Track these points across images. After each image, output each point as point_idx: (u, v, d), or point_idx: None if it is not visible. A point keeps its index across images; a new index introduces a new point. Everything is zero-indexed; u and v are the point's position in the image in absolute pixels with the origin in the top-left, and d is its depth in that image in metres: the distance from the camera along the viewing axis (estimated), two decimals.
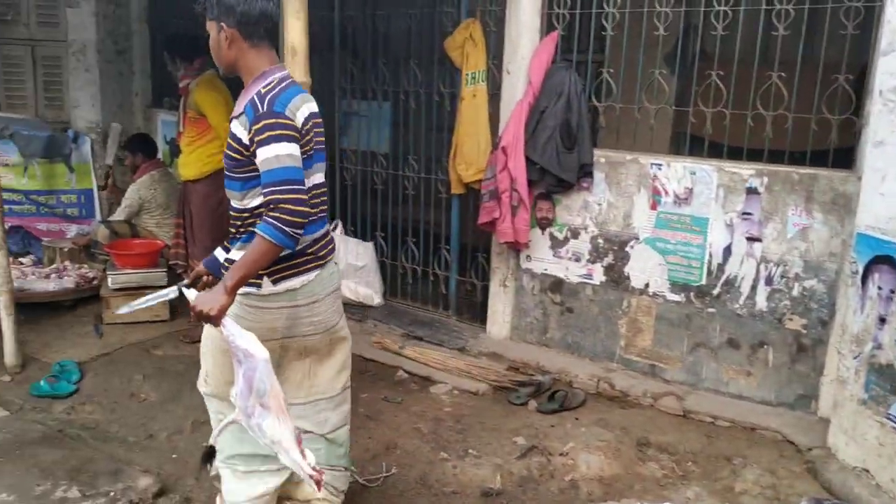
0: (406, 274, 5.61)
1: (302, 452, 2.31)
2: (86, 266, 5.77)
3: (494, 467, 3.52)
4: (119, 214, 5.84)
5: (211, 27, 2.48)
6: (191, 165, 4.79)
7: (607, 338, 4.48)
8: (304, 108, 2.43)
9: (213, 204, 4.80)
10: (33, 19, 6.59)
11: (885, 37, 3.07)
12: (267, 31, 2.47)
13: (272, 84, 2.39)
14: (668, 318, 4.25)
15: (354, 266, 5.55)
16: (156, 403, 4.14)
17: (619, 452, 3.65)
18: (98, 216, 6.68)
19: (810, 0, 3.73)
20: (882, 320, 3.08)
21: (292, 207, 2.27)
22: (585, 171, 4.35)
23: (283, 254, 2.38)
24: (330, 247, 2.64)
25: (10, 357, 4.42)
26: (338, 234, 5.62)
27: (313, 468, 2.30)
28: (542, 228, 4.61)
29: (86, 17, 6.72)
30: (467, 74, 4.76)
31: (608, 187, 4.33)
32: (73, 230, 6.62)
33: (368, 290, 5.57)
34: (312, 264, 2.52)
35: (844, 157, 3.81)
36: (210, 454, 2.70)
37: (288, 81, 2.45)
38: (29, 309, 5.05)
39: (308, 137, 2.43)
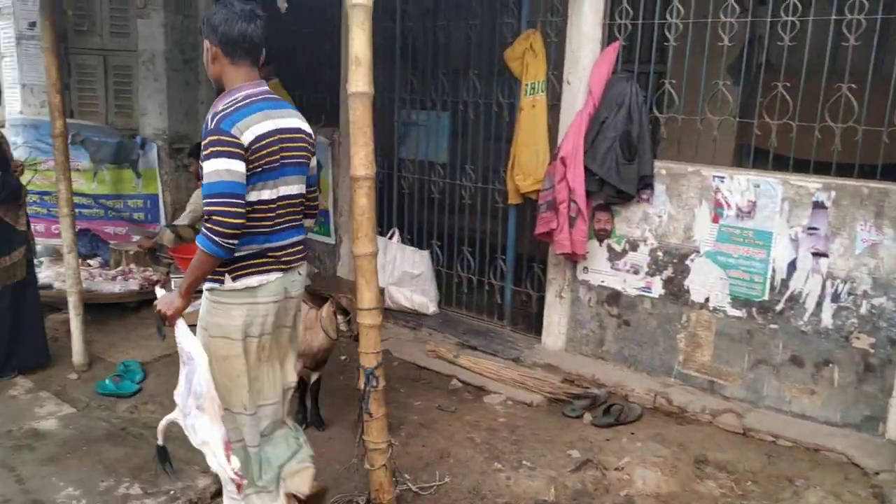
0: (461, 283, 5.63)
1: (228, 457, 2.49)
2: (150, 269, 5.93)
3: (548, 480, 3.49)
4: (183, 219, 5.98)
5: (203, 43, 2.69)
6: None
7: (665, 352, 4.41)
8: (260, 126, 2.55)
9: None
10: (106, 30, 6.81)
11: None
12: (247, 51, 2.66)
13: (232, 102, 2.56)
14: (728, 333, 4.17)
15: (410, 274, 5.58)
16: None
17: (676, 469, 3.58)
18: (163, 220, 6.86)
19: (883, 10, 3.63)
20: None
21: (223, 219, 2.43)
22: (645, 183, 4.30)
23: (241, 254, 2.60)
24: (299, 255, 2.82)
25: (77, 356, 4.58)
26: (394, 242, 5.67)
27: (235, 473, 2.51)
28: (600, 240, 4.57)
29: (155, 27, 6.93)
30: (527, 85, 4.76)
31: (669, 199, 4.28)
32: (138, 233, 6.81)
33: (424, 299, 5.60)
34: (273, 267, 2.69)
35: None
36: (163, 455, 2.90)
37: (252, 99, 2.60)
38: (96, 309, 5.21)
39: (259, 154, 2.54)
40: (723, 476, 3.55)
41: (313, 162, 2.86)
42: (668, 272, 4.34)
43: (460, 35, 5.51)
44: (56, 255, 6.40)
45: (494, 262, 5.37)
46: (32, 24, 6.32)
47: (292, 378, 2.99)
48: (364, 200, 2.91)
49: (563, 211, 4.43)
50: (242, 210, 2.48)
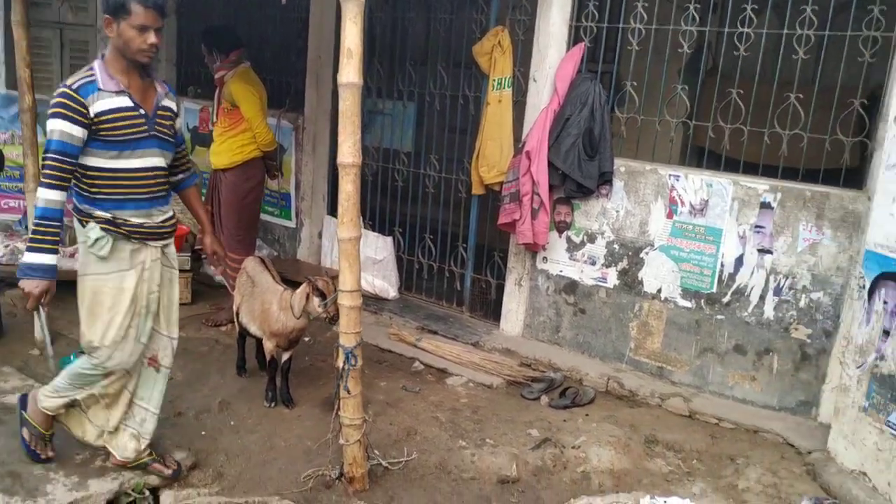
0: (422, 269, 5.79)
1: None
2: None
3: (510, 457, 3.68)
4: None
5: None
6: (222, 154, 4.95)
7: (618, 339, 4.67)
8: None
9: (242, 192, 4.97)
10: (64, 3, 6.71)
11: None
12: None
13: None
14: (677, 322, 4.44)
15: (373, 259, 5.72)
16: (182, 383, 4.30)
17: (629, 448, 3.82)
18: None
19: (830, 28, 3.92)
20: (886, 333, 3.27)
21: None
22: (605, 179, 4.53)
23: None
24: None
25: (39, 332, 4.57)
26: None
27: None
28: (560, 232, 4.79)
29: None
30: (494, 80, 4.93)
31: (626, 195, 4.52)
32: None
33: (385, 284, 5.75)
34: None
35: (855, 177, 4.01)
36: None
37: None
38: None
39: None
40: (671, 455, 3.81)
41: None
42: (623, 264, 4.59)
43: (427, 28, 5.64)
44: (8, 231, 6.31)
45: (456, 250, 5.55)
46: None
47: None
48: (350, 187, 3.05)
49: (527, 203, 4.63)
50: None
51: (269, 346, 4.00)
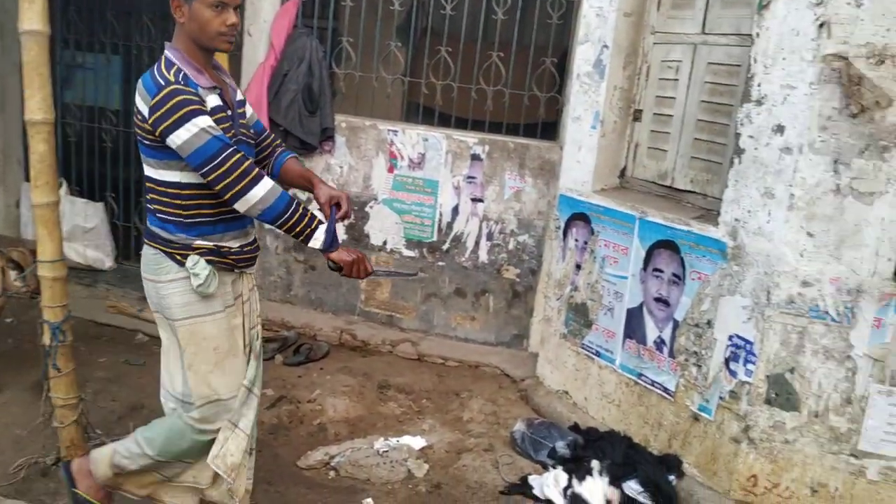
0: (140, 236, 5.42)
1: None
2: None
3: None
4: None
5: None
6: None
7: (348, 293, 4.78)
8: None
9: None
10: None
11: (582, 29, 3.64)
12: None
13: None
14: None
15: (82, 228, 5.27)
16: None
17: (363, 395, 3.96)
18: None
19: None
20: (578, 267, 3.70)
21: None
22: (327, 135, 4.56)
23: None
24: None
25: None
26: (62, 194, 5.26)
27: None
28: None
29: None
30: None
31: (349, 151, 4.60)
32: None
33: (98, 254, 5.33)
34: None
35: (550, 129, 4.44)
36: None
37: None
38: None
39: None
40: (402, 397, 4.02)
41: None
42: (350, 218, 4.67)
43: None
44: None
45: None
46: None
47: None
48: (42, 147, 2.80)
49: None
50: None
51: None
